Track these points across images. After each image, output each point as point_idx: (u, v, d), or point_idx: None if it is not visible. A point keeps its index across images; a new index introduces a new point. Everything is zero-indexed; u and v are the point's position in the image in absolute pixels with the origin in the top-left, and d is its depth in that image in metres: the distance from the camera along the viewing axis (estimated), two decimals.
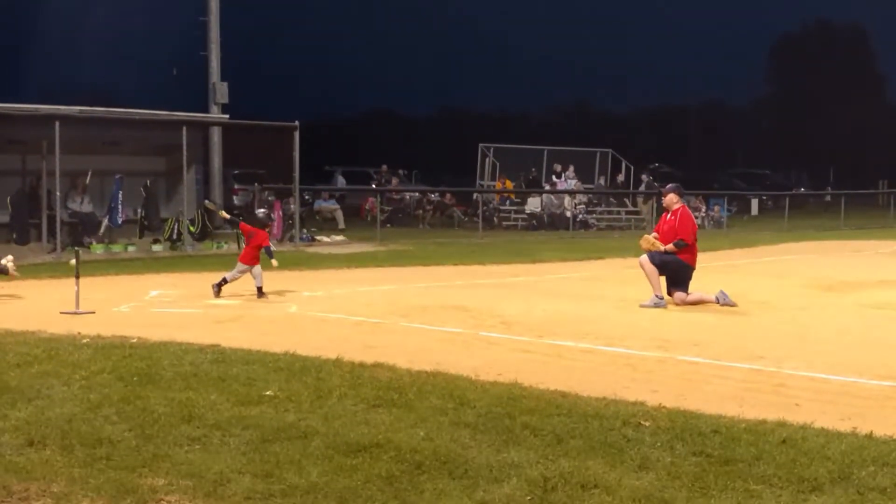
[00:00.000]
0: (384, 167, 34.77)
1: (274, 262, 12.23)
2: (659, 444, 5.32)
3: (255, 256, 12.03)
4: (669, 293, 11.70)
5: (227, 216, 14.40)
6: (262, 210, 14.02)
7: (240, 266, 12.00)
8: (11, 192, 18.72)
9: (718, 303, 11.46)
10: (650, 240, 11.91)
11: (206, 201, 14.19)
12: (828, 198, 35.64)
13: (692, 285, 11.83)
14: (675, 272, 11.71)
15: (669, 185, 12.56)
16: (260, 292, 11.83)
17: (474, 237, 25.23)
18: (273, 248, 12.62)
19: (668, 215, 12.06)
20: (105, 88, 54.17)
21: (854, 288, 13.87)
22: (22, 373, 6.99)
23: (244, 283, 12.06)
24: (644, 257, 11.75)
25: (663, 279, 11.71)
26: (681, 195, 12.22)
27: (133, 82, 59.23)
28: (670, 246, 11.71)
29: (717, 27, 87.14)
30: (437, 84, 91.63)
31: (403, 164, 39.67)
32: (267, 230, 12.80)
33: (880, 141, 56.94)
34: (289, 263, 13.62)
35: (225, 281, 11.91)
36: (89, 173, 19.45)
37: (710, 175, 47.78)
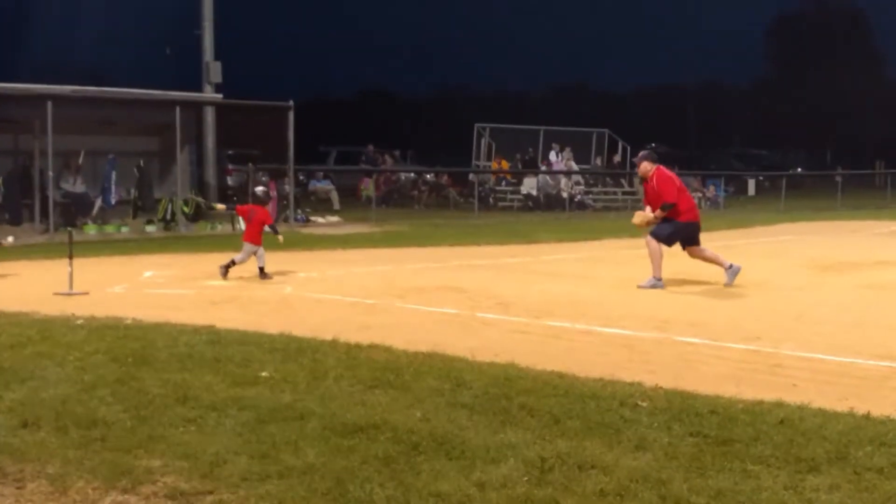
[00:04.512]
0: (370, 147, 34.60)
1: (280, 238, 12.25)
2: (656, 424, 5.30)
3: (259, 234, 11.90)
4: (684, 249, 11.69)
5: (223, 207, 14.32)
6: (261, 188, 13.78)
7: (246, 246, 11.85)
8: (4, 173, 18.65)
9: (729, 269, 11.45)
10: (641, 214, 11.78)
11: (206, 202, 13.86)
12: (839, 178, 35.42)
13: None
14: (686, 234, 11.63)
15: (641, 153, 12.11)
16: (262, 273, 11.76)
17: (470, 218, 25.20)
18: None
19: (648, 183, 11.79)
20: (98, 68, 53.93)
21: (851, 268, 13.88)
22: (15, 354, 6.97)
23: (245, 264, 11.96)
24: (649, 237, 11.60)
25: (669, 258, 11.65)
26: (653, 161, 11.75)
27: (126, 62, 59.02)
28: (659, 212, 11.58)
29: (716, 7, 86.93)
30: (433, 64, 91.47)
31: (399, 145, 39.57)
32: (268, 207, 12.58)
33: (877, 121, 56.98)
34: (283, 244, 13.58)
35: (233, 263, 11.77)
36: (82, 153, 19.37)
37: (707, 155, 47.80)
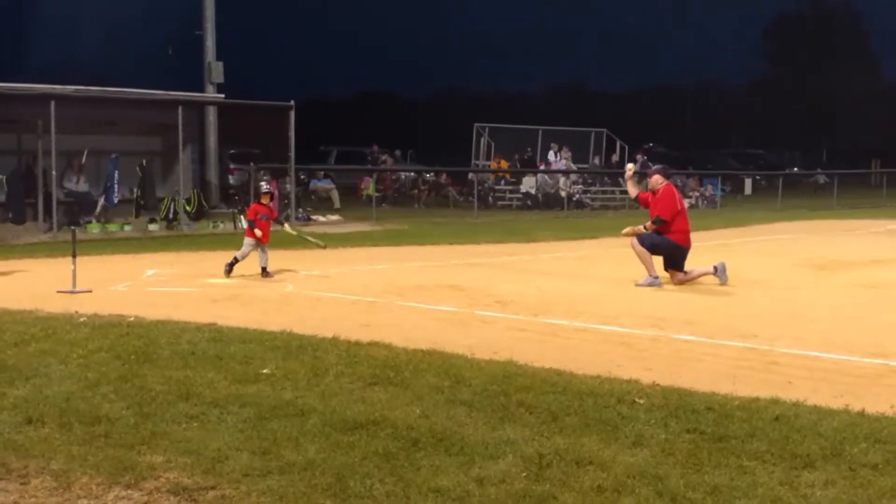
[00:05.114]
0: (374, 146, 34.63)
1: (257, 232, 11.66)
2: (653, 421, 5.36)
3: (262, 230, 11.90)
4: (667, 270, 11.74)
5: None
6: (265, 184, 13.68)
7: (246, 241, 11.89)
8: (7, 172, 18.69)
9: (716, 272, 11.49)
10: (631, 228, 11.90)
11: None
12: (823, 179, 35.68)
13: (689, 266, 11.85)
14: (669, 254, 11.71)
15: (655, 167, 12.85)
16: (264, 272, 11.80)
17: (469, 217, 25.22)
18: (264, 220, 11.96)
19: (654, 196, 12.02)
20: (101, 68, 53.97)
21: (846, 267, 13.93)
22: (20, 351, 7.01)
23: (247, 263, 11.94)
24: (634, 240, 11.74)
25: (658, 258, 11.72)
26: (666, 176, 12.23)
27: (129, 62, 59.05)
28: (649, 224, 11.70)
29: (714, 7, 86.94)
30: (434, 64, 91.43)
31: (399, 144, 39.61)
32: (265, 203, 12.31)
33: (873, 121, 57.00)
34: (284, 243, 13.62)
35: (236, 260, 11.78)
36: (85, 153, 19.42)
37: (704, 155, 47.85)
